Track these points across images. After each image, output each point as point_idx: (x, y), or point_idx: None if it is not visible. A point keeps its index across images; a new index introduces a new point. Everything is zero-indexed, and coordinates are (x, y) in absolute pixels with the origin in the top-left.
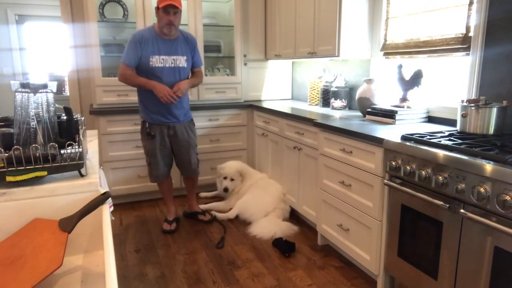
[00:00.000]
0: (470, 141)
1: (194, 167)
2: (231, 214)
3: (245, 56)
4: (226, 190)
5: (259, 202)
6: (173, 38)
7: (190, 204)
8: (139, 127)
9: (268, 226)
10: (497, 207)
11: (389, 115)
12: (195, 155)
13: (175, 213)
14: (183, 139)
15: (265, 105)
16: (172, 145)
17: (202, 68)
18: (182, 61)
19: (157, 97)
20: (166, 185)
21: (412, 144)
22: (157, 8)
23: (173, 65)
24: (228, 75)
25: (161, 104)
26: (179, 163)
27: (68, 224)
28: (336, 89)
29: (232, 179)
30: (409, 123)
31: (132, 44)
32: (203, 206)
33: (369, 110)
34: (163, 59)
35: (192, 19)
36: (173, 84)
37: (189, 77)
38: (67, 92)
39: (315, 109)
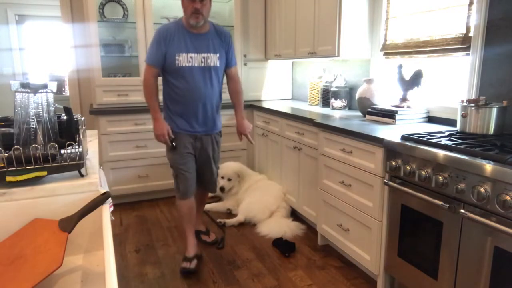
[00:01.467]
0: (470, 141)
1: (214, 185)
2: (239, 220)
3: (245, 56)
4: (222, 189)
5: (262, 203)
6: (204, 32)
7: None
8: (139, 127)
9: (277, 225)
10: (497, 207)
11: (389, 115)
12: (216, 170)
13: (195, 247)
14: (209, 154)
15: (265, 105)
16: (196, 158)
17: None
18: (214, 60)
19: (186, 99)
20: (189, 206)
21: (412, 144)
22: None
23: (203, 65)
24: None
25: (190, 107)
26: (198, 178)
27: (68, 224)
28: (336, 89)
29: (229, 179)
30: (409, 123)
31: (156, 40)
32: None
33: (369, 110)
34: (191, 57)
35: None
36: (204, 88)
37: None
38: (67, 92)
39: (315, 109)
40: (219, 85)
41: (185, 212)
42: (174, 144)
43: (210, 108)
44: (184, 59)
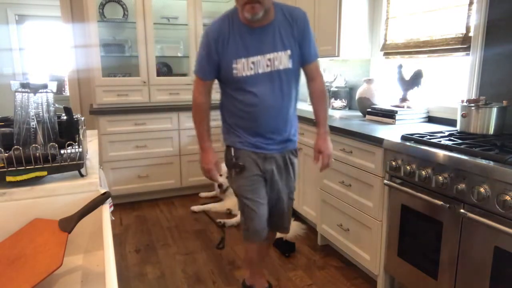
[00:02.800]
0: (470, 141)
1: (287, 222)
2: (239, 220)
3: None
4: (220, 186)
5: None
6: (268, 24)
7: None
8: (139, 127)
9: None
10: (497, 207)
11: (389, 115)
12: (291, 202)
13: (265, 283)
14: (282, 180)
15: None
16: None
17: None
18: (283, 60)
19: (249, 115)
20: (259, 250)
21: (412, 144)
22: None
23: (269, 69)
24: None
25: (255, 124)
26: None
27: (68, 224)
28: (336, 89)
29: (227, 177)
30: (409, 123)
31: (205, 45)
32: (200, 207)
33: (369, 110)
34: (253, 63)
35: (192, 19)
36: (273, 100)
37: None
38: (67, 92)
39: None
40: (293, 92)
41: (253, 258)
42: (241, 163)
43: (282, 123)
44: (244, 67)
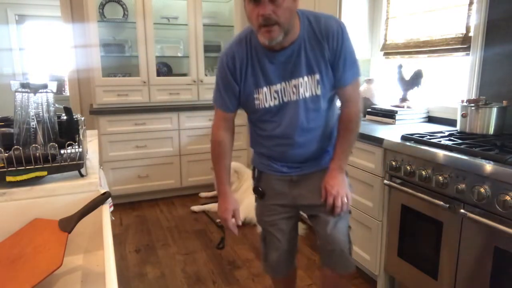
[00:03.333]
0: (470, 141)
1: (344, 255)
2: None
3: None
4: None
5: None
6: (290, 44)
7: None
8: (139, 127)
9: None
10: (497, 207)
11: (389, 115)
12: (345, 229)
13: None
14: (318, 200)
15: None
16: (297, 212)
17: (353, 84)
18: (311, 86)
19: (275, 143)
20: (284, 283)
21: (412, 144)
22: None
23: (296, 97)
24: None
25: (281, 152)
26: (321, 247)
27: (68, 224)
28: None
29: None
30: (409, 123)
31: (220, 73)
32: (200, 207)
33: (369, 110)
34: (276, 92)
35: (192, 19)
36: (301, 130)
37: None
38: (67, 92)
39: None
40: (327, 118)
41: None
42: (260, 189)
43: (313, 155)
44: (266, 97)
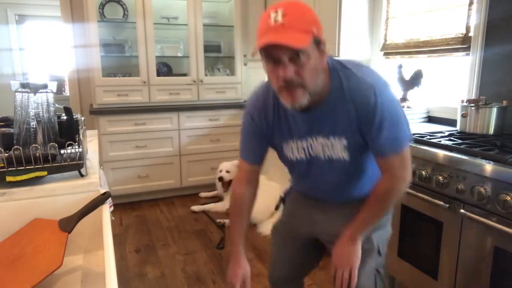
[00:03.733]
0: (470, 141)
1: None
2: None
3: (245, 56)
4: (220, 179)
5: (262, 203)
6: (318, 105)
7: None
8: (139, 127)
9: None
10: (497, 207)
11: None
12: (370, 274)
13: None
14: (336, 229)
15: None
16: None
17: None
18: (337, 149)
19: (303, 189)
20: None
21: (412, 144)
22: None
23: (323, 156)
24: (228, 75)
25: (311, 195)
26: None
27: (68, 224)
28: None
29: (227, 171)
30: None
31: (246, 124)
32: (200, 207)
33: None
34: (303, 148)
35: (192, 19)
36: (328, 188)
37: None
38: (67, 92)
39: None
40: (361, 174)
41: None
42: (283, 196)
43: (344, 197)
44: (293, 150)
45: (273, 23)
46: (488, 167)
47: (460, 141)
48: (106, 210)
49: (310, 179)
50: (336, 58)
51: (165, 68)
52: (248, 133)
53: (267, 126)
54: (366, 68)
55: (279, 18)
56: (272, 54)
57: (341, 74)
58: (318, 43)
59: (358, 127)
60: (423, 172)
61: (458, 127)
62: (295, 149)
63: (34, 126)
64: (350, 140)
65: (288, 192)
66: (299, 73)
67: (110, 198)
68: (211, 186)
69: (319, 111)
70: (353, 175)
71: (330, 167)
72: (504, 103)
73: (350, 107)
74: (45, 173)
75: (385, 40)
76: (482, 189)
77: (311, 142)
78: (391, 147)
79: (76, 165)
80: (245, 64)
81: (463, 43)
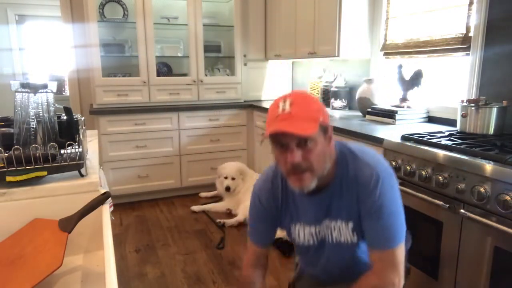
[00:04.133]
0: (470, 141)
1: None
2: (239, 220)
3: (245, 56)
4: (228, 189)
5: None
6: (324, 188)
7: None
8: (139, 127)
9: None
10: (497, 207)
11: (389, 115)
12: None
13: None
14: None
15: (265, 105)
16: None
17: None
18: (346, 232)
19: (310, 269)
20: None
21: (412, 144)
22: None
23: (331, 240)
24: (228, 75)
25: (317, 269)
26: None
27: (68, 224)
28: (336, 89)
29: (233, 178)
30: (409, 123)
31: (255, 210)
32: (201, 207)
33: (369, 110)
34: (311, 234)
35: (192, 19)
36: (335, 273)
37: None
38: (67, 92)
39: None
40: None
41: None
42: (290, 282)
43: (353, 277)
44: (300, 234)
45: (281, 112)
46: (488, 167)
47: (460, 141)
48: (106, 210)
49: (320, 262)
50: (344, 142)
51: (165, 68)
52: (257, 216)
53: (276, 208)
54: (372, 154)
55: (287, 107)
56: (280, 140)
57: (348, 158)
58: (324, 129)
59: (359, 212)
60: (423, 172)
61: (458, 127)
62: (302, 234)
63: (34, 126)
64: (357, 223)
65: (297, 278)
66: (307, 157)
67: (110, 198)
68: (211, 186)
69: (326, 194)
70: (363, 257)
71: (339, 250)
72: (504, 103)
73: (355, 191)
74: (45, 173)
75: (385, 40)
76: (482, 189)
77: (319, 228)
78: (385, 239)
79: (76, 165)
80: (245, 64)
81: (463, 43)
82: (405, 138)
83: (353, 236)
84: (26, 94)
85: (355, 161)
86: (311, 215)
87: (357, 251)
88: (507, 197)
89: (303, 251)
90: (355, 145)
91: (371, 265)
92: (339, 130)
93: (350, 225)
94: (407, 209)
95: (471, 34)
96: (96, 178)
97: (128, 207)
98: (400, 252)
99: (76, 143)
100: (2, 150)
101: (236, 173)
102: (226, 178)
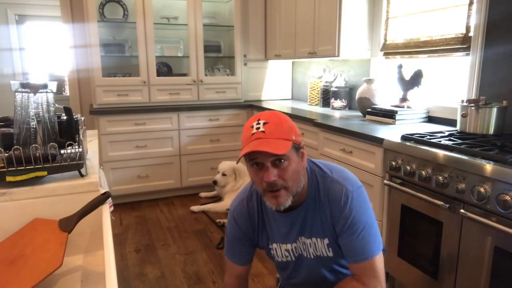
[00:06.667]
0: (470, 141)
1: None
2: None
3: (245, 56)
4: (214, 183)
5: None
6: (299, 206)
7: None
8: (139, 127)
9: None
10: (497, 207)
11: (389, 115)
12: None
13: None
14: None
15: (265, 105)
16: None
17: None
18: (322, 248)
19: (292, 279)
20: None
21: (412, 144)
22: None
23: (306, 255)
24: (228, 75)
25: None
26: None
27: (68, 224)
28: (336, 89)
29: (224, 174)
30: (409, 123)
31: (232, 229)
32: (200, 207)
33: (369, 110)
34: (287, 251)
35: (192, 19)
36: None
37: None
38: (67, 92)
39: (315, 109)
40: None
41: None
42: None
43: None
44: (277, 252)
45: (256, 132)
46: (488, 167)
47: (460, 141)
48: (106, 210)
49: (299, 276)
50: (311, 160)
51: (165, 68)
52: (233, 237)
53: (252, 231)
54: (338, 169)
55: (261, 127)
56: (256, 159)
57: (318, 176)
58: (297, 147)
59: (334, 228)
60: (423, 172)
61: (458, 127)
62: (280, 252)
63: (34, 126)
64: (333, 239)
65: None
66: (282, 176)
67: (110, 198)
68: (211, 186)
69: (300, 212)
70: (341, 270)
71: (317, 264)
72: (504, 103)
73: (327, 208)
74: (45, 173)
75: (385, 40)
76: (482, 189)
77: (295, 244)
78: (362, 252)
79: (76, 165)
80: (245, 64)
81: (463, 43)
82: (405, 138)
83: (329, 252)
84: (26, 94)
85: (324, 179)
86: (286, 234)
87: (335, 264)
88: (507, 197)
89: (283, 267)
90: (322, 162)
91: (353, 274)
92: (338, 130)
93: (326, 241)
94: (407, 209)
95: (471, 34)
96: (96, 178)
97: (128, 207)
98: (379, 260)
99: (76, 143)
100: (2, 150)
101: (229, 170)
102: (218, 173)
